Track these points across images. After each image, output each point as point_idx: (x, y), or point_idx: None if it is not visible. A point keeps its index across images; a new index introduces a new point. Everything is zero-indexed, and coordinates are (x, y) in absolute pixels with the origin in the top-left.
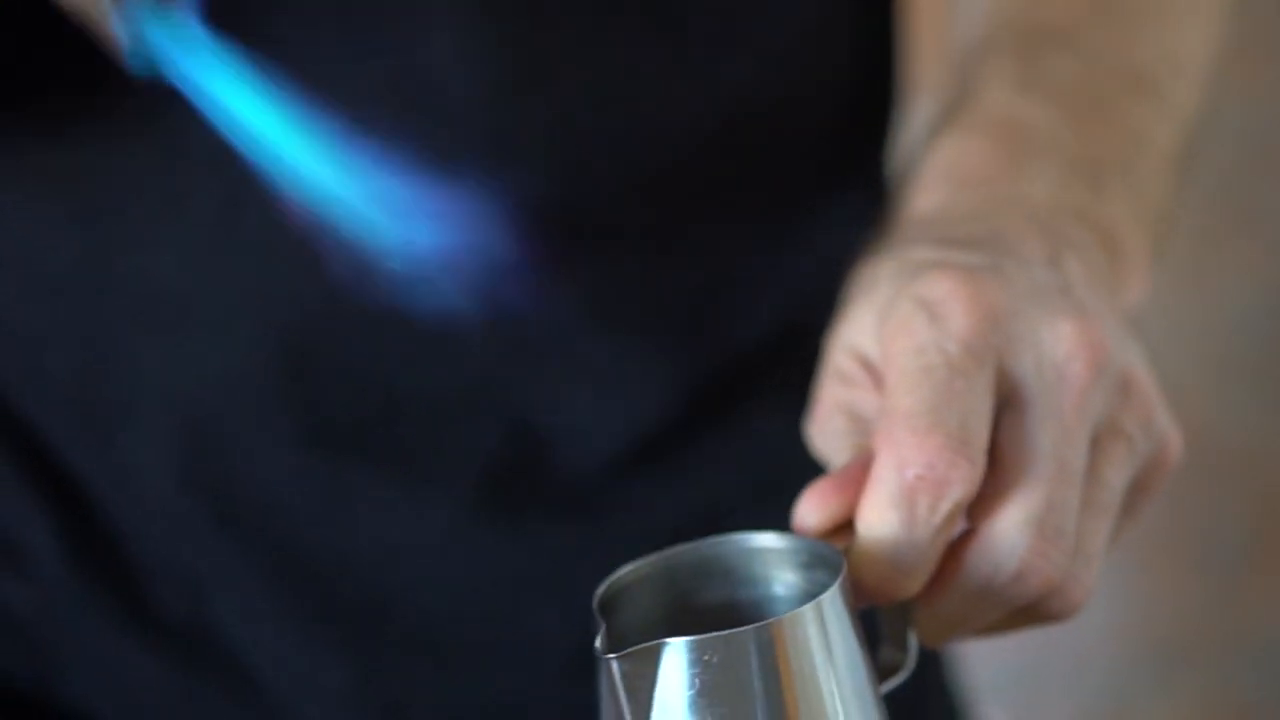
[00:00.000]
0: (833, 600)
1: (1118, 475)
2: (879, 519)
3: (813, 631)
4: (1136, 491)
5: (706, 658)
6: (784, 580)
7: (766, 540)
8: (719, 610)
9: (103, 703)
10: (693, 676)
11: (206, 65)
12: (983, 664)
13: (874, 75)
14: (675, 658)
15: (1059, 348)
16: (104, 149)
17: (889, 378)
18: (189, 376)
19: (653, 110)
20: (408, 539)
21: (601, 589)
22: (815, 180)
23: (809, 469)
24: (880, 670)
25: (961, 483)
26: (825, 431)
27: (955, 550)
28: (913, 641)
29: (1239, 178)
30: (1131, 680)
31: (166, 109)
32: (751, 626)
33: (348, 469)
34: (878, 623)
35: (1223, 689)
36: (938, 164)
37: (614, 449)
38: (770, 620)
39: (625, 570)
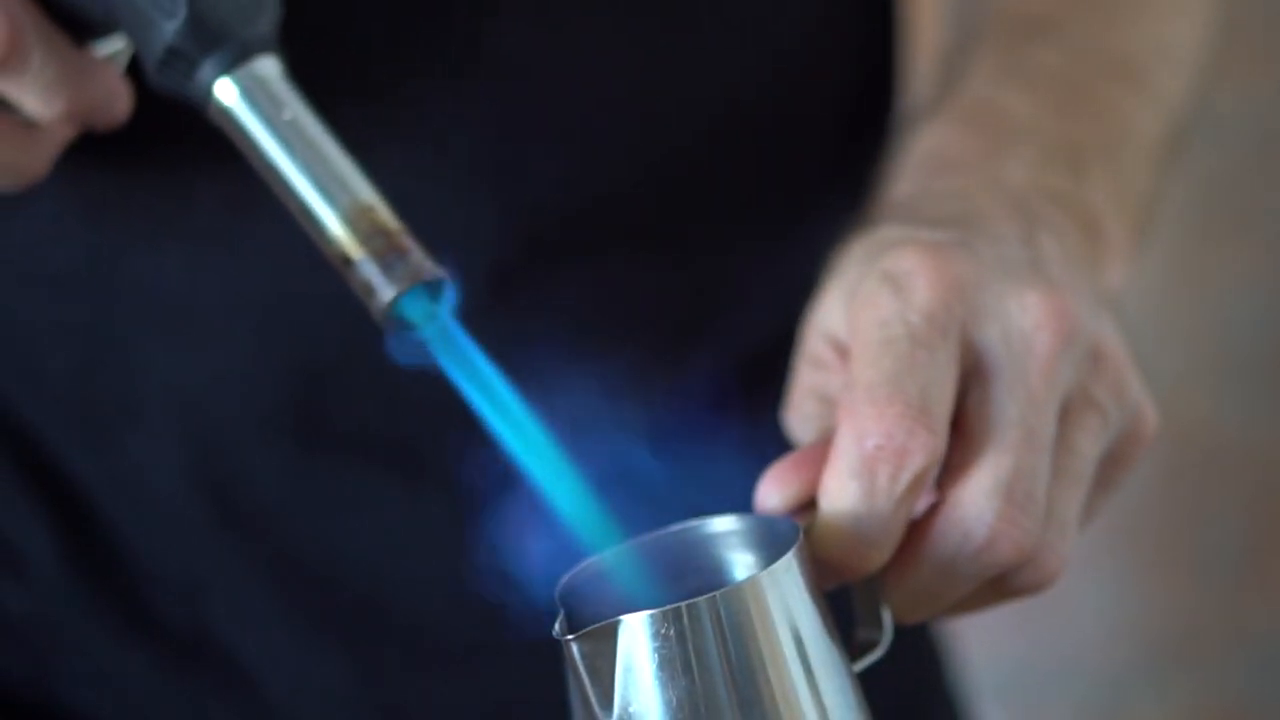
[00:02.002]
0: (789, 568)
1: (1090, 444)
2: (839, 490)
3: (771, 599)
4: (1112, 464)
5: (664, 631)
6: (746, 562)
7: (726, 523)
8: (685, 598)
9: (102, 706)
10: (653, 651)
11: (459, 353)
12: (983, 664)
13: (874, 75)
14: (633, 634)
15: (1026, 318)
16: (110, 148)
17: (853, 351)
18: (191, 378)
19: (654, 110)
20: (407, 541)
21: (564, 579)
22: (815, 180)
23: None
24: (857, 649)
25: (922, 452)
26: (798, 416)
27: (924, 521)
28: (887, 618)
29: (1239, 178)
30: (1129, 680)
31: (173, 110)
32: (706, 596)
33: (348, 471)
34: (852, 602)
35: (1219, 688)
36: (916, 152)
37: (613, 450)
38: (725, 589)
39: (588, 562)
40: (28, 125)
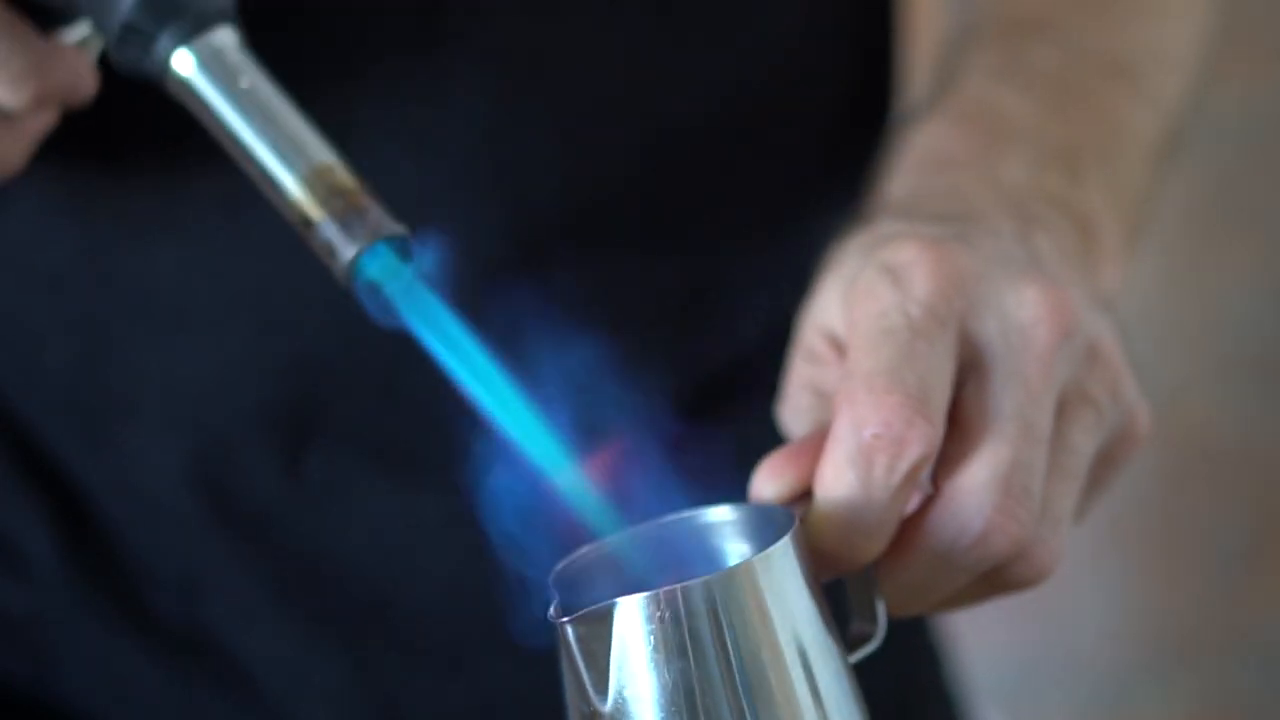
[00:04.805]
0: (784, 552)
1: (1085, 441)
2: (836, 479)
3: (765, 583)
4: (1104, 463)
5: (660, 614)
6: (742, 551)
7: (720, 513)
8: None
9: (100, 704)
10: (649, 634)
11: (426, 310)
12: (982, 664)
13: (871, 74)
14: (629, 616)
15: (1024, 311)
16: (104, 145)
17: (851, 341)
18: (187, 374)
19: (649, 106)
20: (404, 539)
21: (559, 566)
22: (812, 178)
23: None
24: (850, 642)
25: (919, 442)
26: (792, 410)
27: (919, 513)
28: (881, 611)
29: (1239, 178)
30: (1130, 681)
31: (165, 108)
32: (701, 579)
33: (345, 468)
34: (846, 596)
35: (1221, 689)
36: (913, 150)
37: (607, 444)
38: (720, 571)
39: (582, 550)
40: (3, 117)
